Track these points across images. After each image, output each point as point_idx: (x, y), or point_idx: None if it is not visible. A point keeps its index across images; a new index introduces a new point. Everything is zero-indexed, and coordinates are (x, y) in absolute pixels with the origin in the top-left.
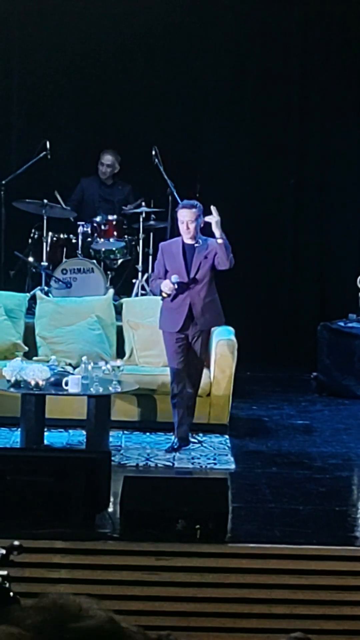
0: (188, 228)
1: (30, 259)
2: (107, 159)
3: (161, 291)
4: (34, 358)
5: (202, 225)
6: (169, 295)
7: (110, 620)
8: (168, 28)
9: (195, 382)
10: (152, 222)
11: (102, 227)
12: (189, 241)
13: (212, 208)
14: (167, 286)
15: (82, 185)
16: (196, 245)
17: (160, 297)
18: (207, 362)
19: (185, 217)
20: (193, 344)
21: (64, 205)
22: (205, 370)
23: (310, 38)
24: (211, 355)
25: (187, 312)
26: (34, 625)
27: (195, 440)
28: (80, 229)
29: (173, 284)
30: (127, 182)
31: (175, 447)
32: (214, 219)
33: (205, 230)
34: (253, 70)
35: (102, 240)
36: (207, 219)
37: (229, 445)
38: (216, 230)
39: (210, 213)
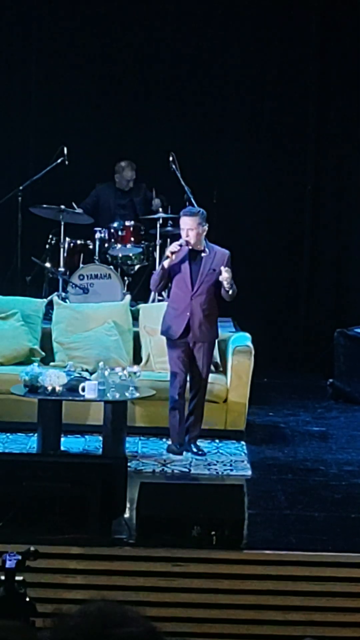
0: (187, 235)
1: (48, 265)
2: (127, 174)
3: (167, 257)
4: (51, 364)
5: (204, 232)
6: (173, 253)
7: (151, 630)
8: (187, 36)
9: (200, 391)
10: (169, 228)
11: (119, 232)
12: (193, 248)
13: (223, 269)
14: (174, 246)
15: (97, 191)
16: (203, 254)
17: (162, 266)
18: (224, 368)
19: (187, 224)
20: (195, 352)
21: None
22: (221, 377)
23: (328, 47)
24: (228, 361)
25: (187, 322)
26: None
27: (207, 451)
28: (97, 235)
29: (180, 245)
30: (139, 181)
31: (176, 449)
32: (224, 276)
33: (249, 244)
34: (271, 77)
35: (119, 246)
36: (220, 279)
37: (245, 451)
38: (225, 285)
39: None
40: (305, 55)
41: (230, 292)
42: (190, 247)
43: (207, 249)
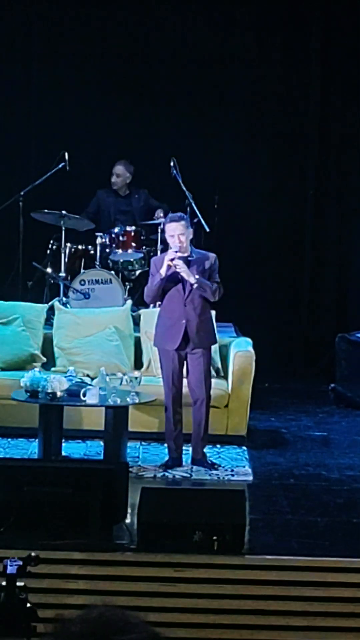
0: (180, 241)
1: (49, 270)
2: (118, 169)
3: (169, 266)
4: (52, 369)
5: (191, 236)
6: (172, 260)
7: (153, 636)
8: (188, 41)
9: (201, 405)
10: (162, 228)
11: (120, 238)
12: (180, 254)
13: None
14: (172, 254)
15: (98, 196)
16: (190, 258)
17: (159, 275)
18: (225, 373)
19: (175, 230)
20: (192, 362)
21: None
22: (222, 382)
23: (330, 52)
24: (229, 366)
25: (184, 330)
26: (79, 635)
27: (209, 456)
28: (98, 240)
29: (176, 252)
30: (141, 187)
31: (169, 464)
32: (181, 269)
33: (251, 250)
34: (272, 82)
35: (120, 251)
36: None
37: (247, 456)
38: (189, 278)
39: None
40: (307, 59)
41: (209, 293)
42: (180, 254)
43: (193, 254)
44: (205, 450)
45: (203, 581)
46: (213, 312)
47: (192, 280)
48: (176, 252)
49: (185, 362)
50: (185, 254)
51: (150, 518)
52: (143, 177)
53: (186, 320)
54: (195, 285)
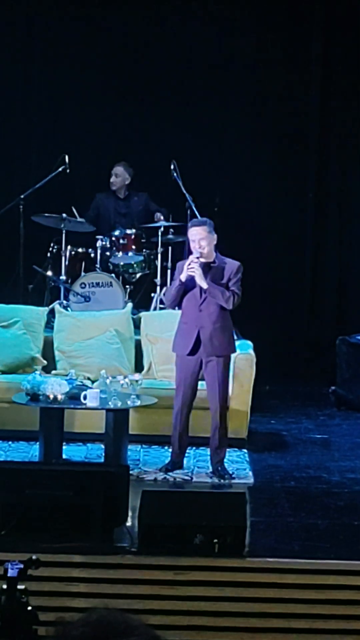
0: (200, 246)
1: (49, 273)
2: (117, 169)
3: (188, 272)
4: (53, 372)
5: (215, 241)
6: (191, 266)
7: (155, 639)
8: (189, 45)
9: (218, 414)
10: (170, 236)
11: (121, 241)
12: (203, 260)
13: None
14: (194, 259)
15: (97, 200)
16: (212, 264)
17: (179, 280)
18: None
19: (197, 235)
20: (207, 370)
21: (79, 219)
22: None
23: (330, 55)
24: (230, 369)
25: (196, 336)
26: (80, 638)
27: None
28: (98, 243)
29: (197, 257)
30: (142, 191)
31: (170, 467)
32: (196, 273)
33: (252, 253)
34: (273, 85)
35: (120, 254)
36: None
37: (248, 459)
38: (201, 282)
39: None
40: (308, 63)
41: (221, 299)
42: (203, 260)
43: (216, 260)
44: (224, 458)
45: (204, 584)
46: None
47: (203, 285)
48: (197, 257)
49: (200, 369)
50: (209, 260)
51: (151, 521)
52: (143, 180)
53: (200, 326)
54: (206, 290)
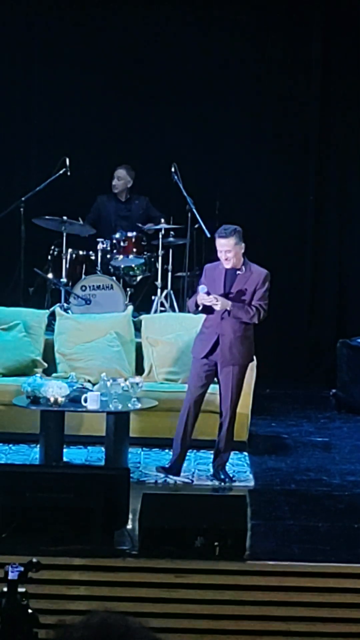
0: (227, 258)
1: (50, 276)
2: (119, 172)
3: (197, 305)
4: (53, 374)
5: (242, 250)
6: (202, 306)
7: None
8: (189, 47)
9: (226, 418)
10: (171, 239)
11: (122, 243)
12: (229, 267)
13: (216, 299)
14: (204, 298)
15: (98, 202)
16: (239, 272)
17: (194, 311)
18: None
19: (223, 246)
20: (222, 376)
21: (81, 220)
22: None
23: (330, 57)
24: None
25: (215, 342)
26: None
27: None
28: (99, 246)
29: (203, 291)
30: (142, 194)
31: (167, 466)
32: (216, 306)
33: (252, 255)
34: (273, 87)
35: (121, 256)
36: (210, 303)
37: (248, 462)
38: (224, 307)
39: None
40: (307, 65)
41: (245, 319)
42: (229, 267)
43: (243, 267)
44: (226, 462)
45: (204, 587)
46: None
47: (227, 307)
48: (204, 291)
49: (213, 373)
50: (236, 267)
51: (152, 524)
52: (144, 183)
53: (220, 334)
54: (230, 313)
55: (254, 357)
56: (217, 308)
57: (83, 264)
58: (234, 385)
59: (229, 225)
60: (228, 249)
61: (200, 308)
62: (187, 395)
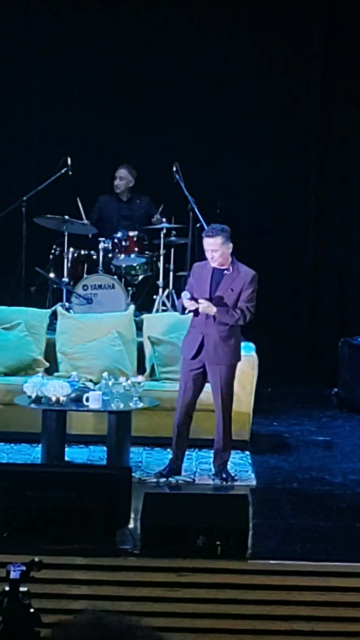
0: (213, 257)
1: (51, 275)
2: (121, 172)
3: (184, 308)
4: (55, 374)
5: (230, 250)
6: (188, 310)
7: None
8: (190, 47)
9: (221, 418)
10: (172, 238)
11: (123, 243)
12: (218, 267)
13: (201, 303)
14: (187, 302)
15: (100, 202)
16: (226, 272)
17: (181, 313)
18: None
19: (210, 245)
20: (210, 376)
21: (83, 213)
22: None
23: (330, 58)
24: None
25: (200, 342)
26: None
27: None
28: (101, 245)
29: (187, 298)
30: (144, 194)
31: (165, 472)
32: (203, 309)
33: (253, 255)
34: (274, 87)
35: (123, 256)
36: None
37: (250, 461)
38: (210, 312)
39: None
40: (308, 65)
41: (232, 322)
42: (215, 266)
43: (230, 267)
44: (227, 461)
45: (206, 586)
46: None
47: (212, 313)
48: (189, 299)
49: (203, 372)
50: (223, 267)
51: (154, 523)
52: (145, 182)
53: (205, 334)
54: (215, 318)
55: (242, 357)
56: (202, 310)
57: (85, 264)
58: (222, 385)
59: (217, 224)
60: (215, 248)
61: (187, 310)
62: (178, 396)
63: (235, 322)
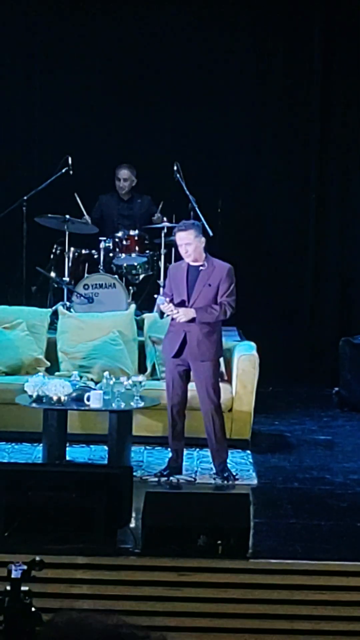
0: (187, 252)
1: (52, 274)
2: (124, 173)
3: (162, 312)
4: (56, 373)
5: (203, 244)
6: (164, 313)
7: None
8: (190, 46)
9: (209, 416)
10: (173, 238)
11: (124, 242)
12: (193, 263)
13: (162, 306)
14: (164, 307)
15: (101, 202)
16: (201, 268)
17: (159, 315)
18: (229, 377)
19: (183, 240)
20: (195, 374)
21: (83, 209)
22: (226, 386)
23: (331, 55)
24: (233, 370)
25: (182, 340)
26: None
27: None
28: (102, 244)
29: (162, 303)
30: (144, 193)
31: (165, 473)
32: (181, 318)
33: (253, 254)
34: (274, 85)
35: (123, 255)
36: (172, 314)
37: (251, 460)
38: (189, 317)
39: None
40: (308, 65)
41: (214, 319)
42: (190, 263)
43: (205, 263)
44: (226, 459)
45: (207, 585)
46: None
47: (191, 316)
48: (162, 303)
49: (188, 370)
50: (198, 263)
51: (155, 522)
52: (146, 182)
53: (186, 331)
54: (196, 320)
55: (222, 355)
56: (181, 320)
57: (85, 263)
58: (207, 382)
59: (187, 220)
60: (188, 242)
61: (165, 314)
62: (167, 395)
63: (216, 318)
